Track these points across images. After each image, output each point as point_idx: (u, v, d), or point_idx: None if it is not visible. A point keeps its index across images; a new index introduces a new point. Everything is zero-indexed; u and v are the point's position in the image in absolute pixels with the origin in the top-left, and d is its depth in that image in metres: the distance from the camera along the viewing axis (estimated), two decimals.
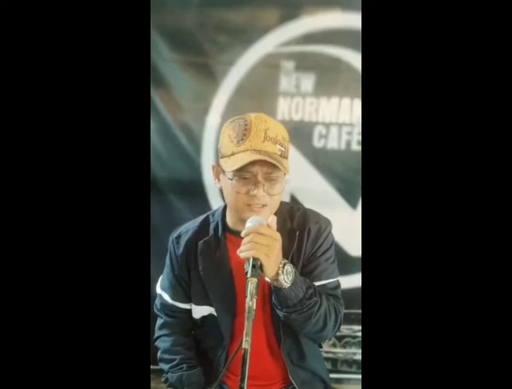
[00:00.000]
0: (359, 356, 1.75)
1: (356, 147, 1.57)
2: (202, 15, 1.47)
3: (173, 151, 1.57)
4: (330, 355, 1.79)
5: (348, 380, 1.80)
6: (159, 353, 1.10)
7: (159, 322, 1.13)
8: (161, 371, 1.16)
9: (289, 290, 0.89)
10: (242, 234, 0.87)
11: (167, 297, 1.10)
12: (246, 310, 0.77)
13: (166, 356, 1.08)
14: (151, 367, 0.97)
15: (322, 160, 1.59)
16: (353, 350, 1.75)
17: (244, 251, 0.84)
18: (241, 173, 0.90)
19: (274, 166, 0.90)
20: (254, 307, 0.78)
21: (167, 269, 1.11)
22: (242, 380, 0.72)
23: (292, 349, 1.04)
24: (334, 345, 1.78)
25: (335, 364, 1.79)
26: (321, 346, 1.16)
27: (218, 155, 0.98)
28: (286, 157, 0.94)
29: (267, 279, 0.88)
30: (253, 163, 0.89)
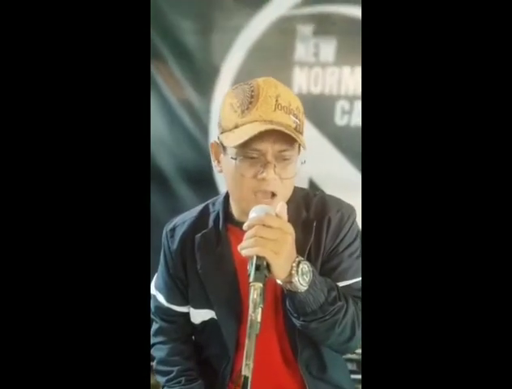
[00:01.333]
0: None
1: None
2: None
3: (176, 133, 1.43)
4: (355, 356, 1.61)
5: None
6: (154, 364, 0.97)
7: (154, 327, 1.00)
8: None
9: (307, 294, 0.73)
10: (245, 226, 0.71)
11: (162, 299, 0.97)
12: (248, 324, 0.61)
13: (162, 368, 0.96)
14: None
15: (345, 140, 1.40)
16: None
17: (246, 248, 0.68)
18: (247, 150, 0.74)
19: (288, 142, 0.74)
20: (259, 319, 0.62)
21: (161, 267, 0.98)
22: None
23: (311, 360, 0.90)
24: None
25: (361, 365, 1.62)
26: None
27: (218, 130, 0.82)
28: (301, 133, 0.78)
29: (279, 281, 0.72)
30: (262, 138, 0.73)
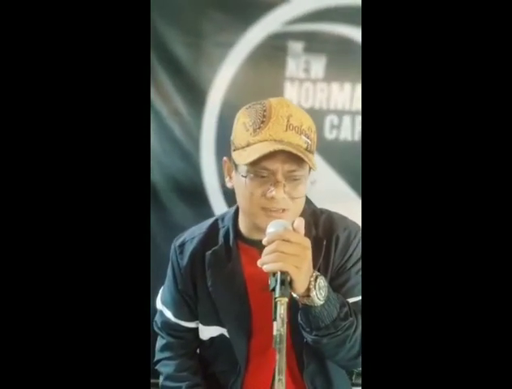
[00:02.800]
0: None
1: None
2: None
3: (168, 147, 1.41)
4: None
5: None
6: (161, 380, 0.97)
7: (160, 343, 0.99)
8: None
9: (321, 309, 0.75)
10: (264, 241, 0.72)
11: (169, 315, 0.96)
12: (277, 340, 0.62)
13: (170, 384, 0.95)
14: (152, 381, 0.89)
15: (333, 153, 1.43)
16: None
17: (268, 263, 0.69)
18: (258, 169, 0.76)
19: (298, 162, 0.76)
20: (285, 334, 0.63)
21: (169, 282, 0.97)
22: None
23: (316, 376, 0.91)
24: None
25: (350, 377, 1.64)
26: None
27: (231, 148, 0.84)
28: (312, 152, 0.81)
29: (295, 295, 0.73)
30: (272, 157, 0.75)
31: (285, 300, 0.64)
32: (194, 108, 1.37)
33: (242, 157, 0.77)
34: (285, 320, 0.63)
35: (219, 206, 1.42)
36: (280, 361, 0.60)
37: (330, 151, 1.42)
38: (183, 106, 1.37)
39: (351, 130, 1.41)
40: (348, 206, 1.36)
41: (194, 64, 1.35)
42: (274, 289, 0.66)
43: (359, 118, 1.41)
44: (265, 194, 0.77)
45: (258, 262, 0.71)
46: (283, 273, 0.67)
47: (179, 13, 1.30)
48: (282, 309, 0.63)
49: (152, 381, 0.97)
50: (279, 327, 0.62)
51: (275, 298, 0.65)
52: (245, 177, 0.77)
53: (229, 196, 1.41)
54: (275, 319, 0.63)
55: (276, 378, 0.59)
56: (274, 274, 0.68)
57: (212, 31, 1.32)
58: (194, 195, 1.40)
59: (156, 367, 0.98)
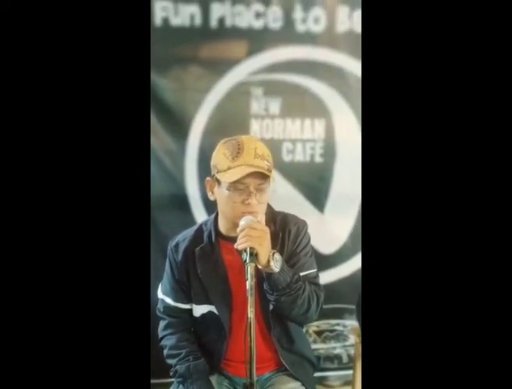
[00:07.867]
0: (339, 350, 1.92)
1: (319, 159, 1.82)
2: (179, 49, 1.66)
3: (157, 173, 1.73)
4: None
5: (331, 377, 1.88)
6: (166, 350, 1.23)
7: (162, 323, 1.27)
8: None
9: (278, 275, 1.07)
10: (238, 230, 1.05)
11: (169, 301, 1.24)
12: (248, 289, 0.95)
13: (173, 352, 1.22)
14: (152, 381, 0.99)
15: (290, 172, 1.81)
16: (332, 344, 1.90)
17: (241, 243, 1.03)
18: (237, 184, 1.08)
19: (264, 178, 1.09)
20: (254, 285, 0.96)
21: (167, 275, 1.26)
22: (251, 342, 0.90)
23: (282, 335, 1.21)
24: (314, 341, 1.92)
25: (318, 361, 1.92)
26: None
27: (211, 171, 1.16)
28: (271, 171, 1.14)
29: (260, 266, 1.05)
30: (247, 176, 1.07)
31: (252, 265, 0.98)
32: (179, 141, 1.72)
33: (226, 177, 1.09)
34: (253, 276, 0.96)
35: (199, 215, 1.76)
36: (251, 300, 0.92)
37: (288, 170, 1.80)
38: (170, 140, 1.70)
39: (302, 154, 1.79)
40: (301, 210, 1.72)
41: (179, 105, 1.69)
42: (245, 260, 1.00)
43: (308, 144, 1.80)
44: (243, 202, 1.08)
45: (235, 245, 1.04)
46: (251, 248, 1.00)
47: (167, 67, 1.66)
48: (251, 270, 0.97)
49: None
50: (250, 282, 0.96)
51: (247, 264, 0.99)
52: (229, 190, 1.09)
53: (209, 209, 1.74)
54: (247, 279, 0.97)
55: (249, 310, 0.92)
56: (245, 250, 1.01)
57: (193, 80, 1.68)
58: (180, 210, 1.73)
59: (161, 343, 1.25)
